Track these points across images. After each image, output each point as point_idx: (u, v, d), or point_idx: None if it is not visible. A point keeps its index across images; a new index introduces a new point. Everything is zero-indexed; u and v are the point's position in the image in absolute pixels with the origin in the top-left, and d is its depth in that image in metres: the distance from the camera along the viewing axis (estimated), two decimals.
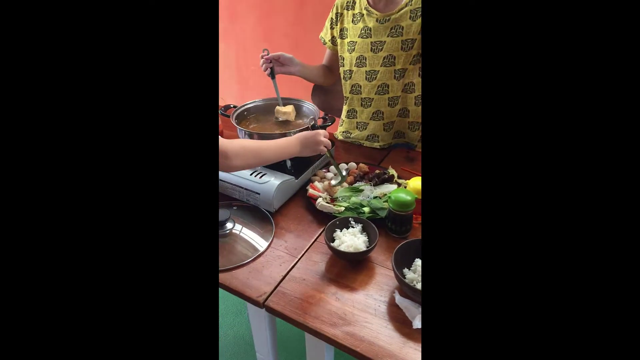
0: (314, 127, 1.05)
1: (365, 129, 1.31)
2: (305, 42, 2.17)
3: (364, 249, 0.86)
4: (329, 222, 1.00)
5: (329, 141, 1.01)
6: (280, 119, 1.20)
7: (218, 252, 0.90)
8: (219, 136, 0.81)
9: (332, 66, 1.37)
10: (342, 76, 1.30)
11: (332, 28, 1.26)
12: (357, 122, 1.33)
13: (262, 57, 1.20)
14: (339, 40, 1.26)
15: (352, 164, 1.19)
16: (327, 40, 1.31)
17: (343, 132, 1.38)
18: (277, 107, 1.21)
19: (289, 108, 1.20)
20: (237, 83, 2.59)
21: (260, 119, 1.23)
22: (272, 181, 1.00)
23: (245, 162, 0.87)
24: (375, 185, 1.08)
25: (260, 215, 1.02)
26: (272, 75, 1.19)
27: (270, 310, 0.79)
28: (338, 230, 0.92)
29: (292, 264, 0.88)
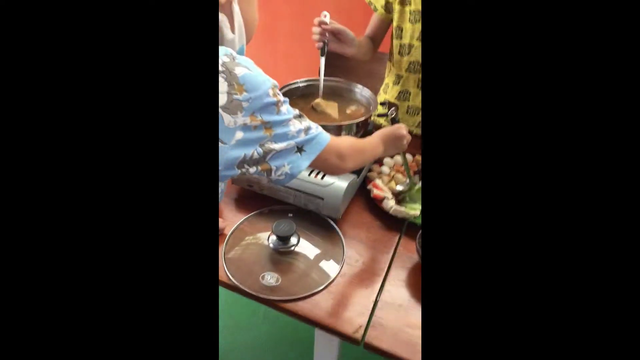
0: (394, 121, 0.88)
1: (418, 114, 1.16)
2: (311, 11, 1.94)
3: None
4: (402, 227, 0.86)
5: (409, 136, 0.86)
6: (318, 111, 1.01)
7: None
8: (332, 135, 0.66)
9: (377, 37, 1.17)
10: (396, 50, 1.12)
11: None
12: (408, 105, 1.17)
13: (318, 25, 0.95)
14: (397, 7, 1.06)
15: (408, 156, 1.04)
16: (378, 7, 1.10)
17: None
18: (319, 100, 1.01)
19: (334, 108, 1.01)
20: None
21: (298, 102, 1.04)
22: (338, 183, 0.84)
23: (355, 164, 0.72)
24: None
25: (321, 223, 0.86)
26: (323, 52, 0.98)
27: (372, 348, 0.65)
28: None
29: (379, 285, 0.75)
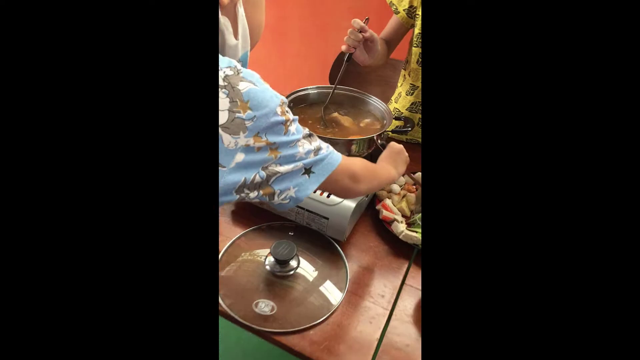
0: (384, 146, 0.83)
1: None
2: (323, 12, 1.87)
3: None
4: (412, 254, 0.79)
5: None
6: (334, 124, 0.94)
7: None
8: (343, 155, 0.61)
9: (393, 41, 1.09)
10: (414, 59, 1.05)
11: None
12: (419, 117, 1.10)
13: (358, 30, 0.87)
14: (421, 13, 1.00)
15: (420, 175, 0.97)
16: (400, 9, 1.03)
17: None
18: (337, 115, 0.93)
19: (349, 121, 0.94)
20: None
21: (307, 112, 0.97)
22: (345, 203, 0.77)
23: (369, 186, 0.66)
24: None
25: (324, 244, 0.79)
26: (350, 58, 0.91)
27: None
28: None
29: (385, 320, 0.67)
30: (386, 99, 1.27)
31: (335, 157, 0.57)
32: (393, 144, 0.81)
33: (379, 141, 0.86)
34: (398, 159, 0.78)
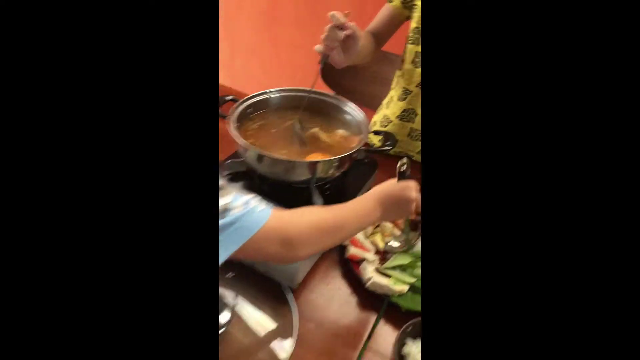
0: (403, 176, 0.62)
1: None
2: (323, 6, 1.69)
3: None
4: (382, 306, 0.63)
5: (419, 196, 0.61)
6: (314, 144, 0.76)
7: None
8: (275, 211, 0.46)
9: (382, 34, 0.92)
10: (409, 58, 0.89)
11: None
12: (411, 127, 0.93)
13: (340, 27, 0.70)
14: (419, 3, 0.83)
15: None
16: None
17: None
18: (317, 132, 0.76)
19: (330, 138, 0.77)
20: (225, 40, 2.07)
21: (268, 118, 0.80)
22: None
23: (316, 248, 0.53)
24: None
25: (270, 291, 0.64)
26: (325, 60, 0.74)
27: None
28: (410, 342, 0.56)
29: None
30: (378, 102, 1.09)
31: (256, 217, 0.42)
32: (412, 187, 0.61)
33: (404, 167, 0.63)
34: (397, 208, 0.60)
